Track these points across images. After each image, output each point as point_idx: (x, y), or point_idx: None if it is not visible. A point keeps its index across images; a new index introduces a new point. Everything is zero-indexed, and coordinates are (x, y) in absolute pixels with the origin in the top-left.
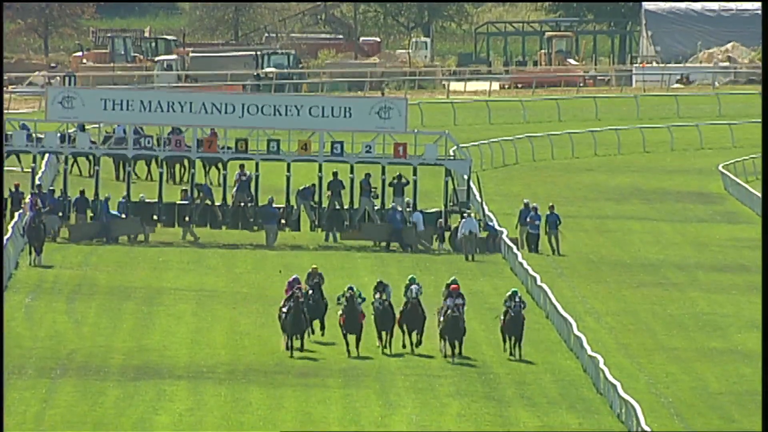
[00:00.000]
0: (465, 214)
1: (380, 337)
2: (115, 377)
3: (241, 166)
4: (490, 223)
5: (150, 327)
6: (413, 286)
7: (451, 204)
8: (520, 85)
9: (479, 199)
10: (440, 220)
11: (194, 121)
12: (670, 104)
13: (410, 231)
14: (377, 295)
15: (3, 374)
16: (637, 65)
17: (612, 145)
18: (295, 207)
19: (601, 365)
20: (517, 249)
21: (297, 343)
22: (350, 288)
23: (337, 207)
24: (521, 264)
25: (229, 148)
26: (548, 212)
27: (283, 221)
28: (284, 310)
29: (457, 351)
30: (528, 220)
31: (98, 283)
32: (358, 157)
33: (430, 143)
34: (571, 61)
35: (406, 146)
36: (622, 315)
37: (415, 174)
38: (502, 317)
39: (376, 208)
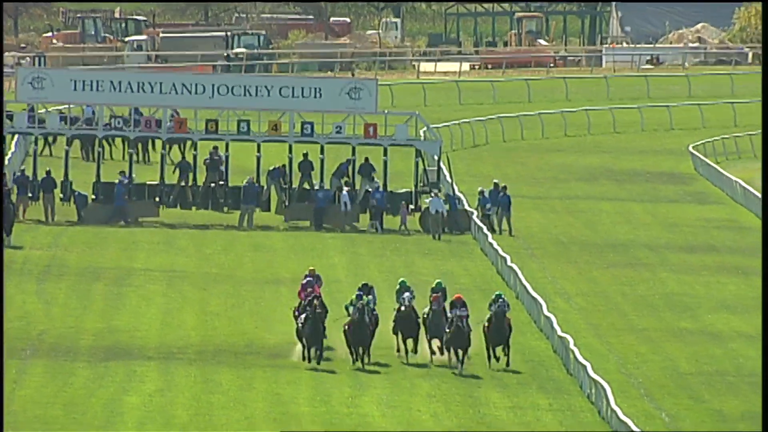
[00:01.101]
0: (432, 194)
1: (352, 352)
2: (85, 358)
3: (215, 148)
4: (458, 203)
5: (120, 308)
6: (406, 293)
7: (422, 184)
8: (490, 66)
9: (449, 180)
10: (404, 201)
11: (164, 101)
12: (640, 85)
13: (334, 210)
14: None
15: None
16: (607, 46)
17: (582, 125)
18: (265, 187)
19: (571, 346)
20: (487, 229)
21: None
22: (359, 295)
23: (307, 187)
24: (491, 244)
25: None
26: (501, 193)
27: (256, 201)
28: (301, 319)
29: (463, 360)
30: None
31: (68, 264)
32: (329, 138)
33: (401, 124)
34: (542, 41)
35: (376, 127)
36: (592, 295)
37: (385, 155)
38: (486, 322)
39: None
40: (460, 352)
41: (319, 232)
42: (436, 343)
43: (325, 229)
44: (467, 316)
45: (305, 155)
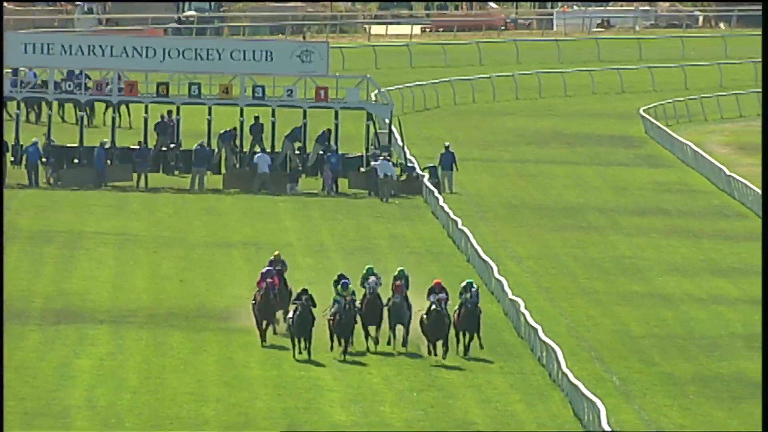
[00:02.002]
0: (381, 157)
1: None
2: (36, 321)
3: (169, 112)
4: (410, 165)
5: (71, 271)
6: (371, 278)
7: (373, 147)
8: (441, 29)
9: (401, 143)
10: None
11: (115, 64)
12: (591, 48)
13: (251, 175)
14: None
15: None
16: (558, 9)
17: (533, 89)
18: (216, 150)
19: (522, 309)
20: (438, 192)
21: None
22: (345, 284)
23: (257, 151)
24: (442, 207)
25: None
26: (443, 151)
27: (207, 164)
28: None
29: (445, 350)
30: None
31: (19, 227)
32: (280, 101)
33: (352, 87)
34: (492, 4)
35: (327, 90)
36: (543, 259)
37: (336, 118)
38: (456, 311)
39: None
40: (440, 342)
41: (271, 196)
42: (400, 330)
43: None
44: (447, 299)
45: (256, 118)
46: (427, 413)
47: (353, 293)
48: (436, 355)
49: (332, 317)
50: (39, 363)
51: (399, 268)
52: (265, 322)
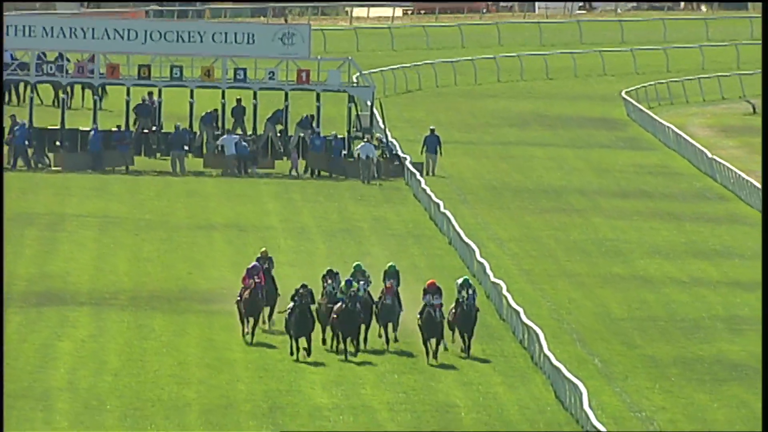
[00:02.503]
0: (364, 140)
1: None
2: (18, 303)
3: (150, 94)
4: (393, 148)
5: (53, 253)
6: (362, 283)
7: (354, 130)
8: (423, 11)
9: (382, 126)
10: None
11: (97, 47)
12: (573, 30)
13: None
14: (329, 280)
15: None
16: None
17: (515, 71)
18: (198, 133)
19: (504, 291)
20: (421, 175)
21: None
22: (349, 281)
23: (240, 133)
24: (424, 190)
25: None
26: (428, 134)
27: (185, 147)
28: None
29: (437, 349)
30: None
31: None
32: (262, 84)
33: (334, 69)
34: None
35: (309, 73)
36: (525, 241)
37: (318, 100)
38: (452, 309)
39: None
40: (433, 342)
41: (253, 178)
42: (390, 329)
43: (257, 175)
44: (441, 305)
45: (238, 101)
46: (408, 396)
47: (358, 289)
48: (434, 356)
49: (336, 315)
50: (20, 345)
51: (389, 264)
52: (252, 320)
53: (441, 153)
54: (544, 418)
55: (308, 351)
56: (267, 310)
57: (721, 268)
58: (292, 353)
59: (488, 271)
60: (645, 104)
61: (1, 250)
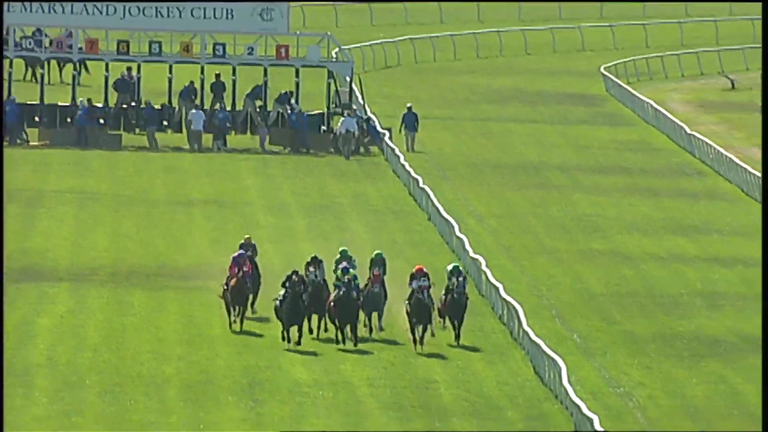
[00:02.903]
0: (345, 114)
1: (310, 321)
2: None
3: (129, 69)
4: (372, 124)
5: (32, 229)
6: (344, 263)
7: (334, 106)
8: None
9: (361, 101)
10: (263, 120)
11: (76, 22)
12: (551, 6)
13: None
14: (311, 268)
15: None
16: None
17: (494, 47)
18: (177, 108)
19: (483, 267)
20: (400, 151)
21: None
22: (345, 269)
23: (219, 108)
24: (403, 166)
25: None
26: (405, 111)
27: (165, 123)
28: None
29: (422, 335)
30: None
31: None
32: (240, 59)
33: (313, 45)
34: None
35: (288, 48)
36: (504, 217)
37: (297, 76)
38: (443, 296)
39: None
40: (420, 328)
41: (231, 154)
42: (374, 318)
43: (237, 151)
44: (429, 287)
45: (217, 76)
46: (387, 371)
47: (355, 277)
48: (420, 344)
49: (333, 303)
50: None
51: (376, 251)
52: (239, 308)
53: (417, 129)
54: (523, 393)
55: (299, 339)
56: (252, 297)
57: (700, 244)
58: (284, 339)
59: (467, 246)
60: (624, 80)
61: (1, 229)
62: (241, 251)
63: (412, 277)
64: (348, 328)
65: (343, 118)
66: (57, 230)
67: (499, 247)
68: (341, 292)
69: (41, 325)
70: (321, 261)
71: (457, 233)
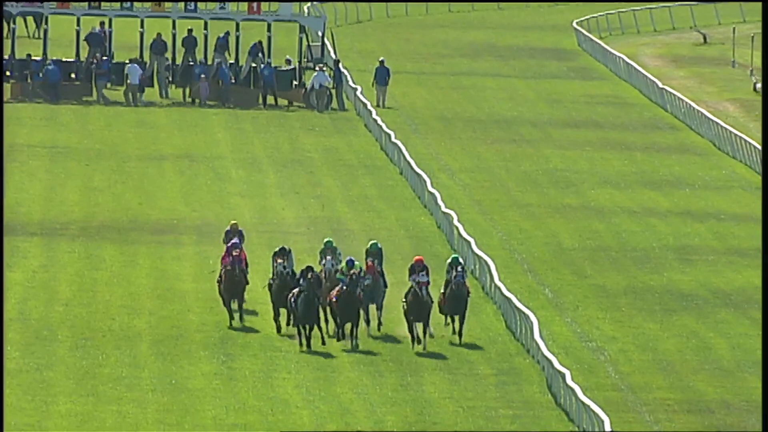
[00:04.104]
0: (317, 68)
1: (277, 317)
2: None
3: (101, 24)
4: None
5: (2, 184)
6: (328, 258)
7: (306, 60)
8: None
9: (334, 56)
10: (203, 74)
11: None
12: None
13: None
14: (279, 260)
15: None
16: None
17: (466, 1)
18: (148, 63)
19: (455, 222)
20: (372, 106)
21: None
22: (351, 261)
23: (191, 63)
24: (375, 120)
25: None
26: (377, 65)
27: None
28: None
29: (424, 334)
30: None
31: None
32: (212, 14)
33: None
34: None
35: (260, 3)
36: (476, 172)
37: (269, 30)
38: (442, 290)
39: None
40: (420, 326)
41: (203, 108)
42: (372, 310)
43: (208, 105)
44: (428, 283)
45: (189, 31)
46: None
47: (360, 270)
48: (418, 342)
49: (335, 298)
50: None
51: (371, 242)
52: (235, 301)
53: (389, 84)
54: (495, 348)
55: (308, 343)
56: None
57: (672, 198)
58: (301, 344)
59: (439, 201)
60: (596, 34)
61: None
62: (235, 240)
63: (411, 269)
64: (348, 326)
65: (315, 73)
66: (28, 184)
67: (470, 202)
68: (344, 288)
69: (13, 279)
70: (290, 251)
71: (429, 188)
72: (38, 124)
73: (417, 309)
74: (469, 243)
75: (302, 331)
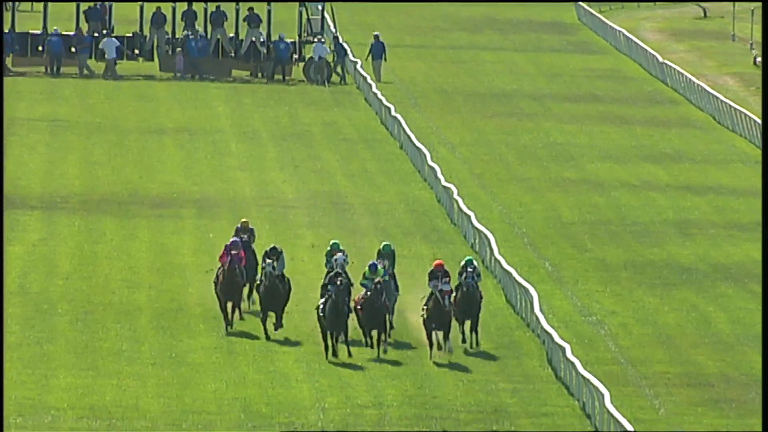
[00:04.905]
0: (316, 40)
1: (265, 320)
2: None
3: None
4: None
5: (3, 157)
6: (338, 254)
7: (305, 34)
8: None
9: (333, 30)
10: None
11: None
12: None
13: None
14: (268, 260)
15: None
16: None
17: None
18: (149, 37)
19: (455, 195)
20: (372, 79)
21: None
22: (374, 265)
23: (191, 36)
24: (375, 94)
25: None
26: (373, 41)
27: (137, 51)
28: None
29: (444, 342)
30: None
31: None
32: None
33: None
34: None
35: None
36: (476, 145)
37: (269, 4)
38: (454, 293)
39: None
40: (440, 335)
41: (203, 82)
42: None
43: (207, 79)
44: (450, 291)
45: (189, 4)
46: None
47: (385, 273)
48: (438, 348)
49: (360, 306)
50: None
51: (384, 243)
52: (230, 304)
53: (385, 59)
54: (495, 322)
55: (347, 348)
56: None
57: (672, 172)
58: (327, 353)
59: (439, 175)
60: (596, 8)
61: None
62: (235, 238)
63: (431, 275)
64: (374, 334)
65: (314, 45)
66: (28, 158)
67: (470, 176)
68: (368, 294)
69: (13, 252)
70: (281, 252)
71: (429, 162)
72: (38, 97)
73: (438, 317)
74: (468, 217)
75: (329, 339)
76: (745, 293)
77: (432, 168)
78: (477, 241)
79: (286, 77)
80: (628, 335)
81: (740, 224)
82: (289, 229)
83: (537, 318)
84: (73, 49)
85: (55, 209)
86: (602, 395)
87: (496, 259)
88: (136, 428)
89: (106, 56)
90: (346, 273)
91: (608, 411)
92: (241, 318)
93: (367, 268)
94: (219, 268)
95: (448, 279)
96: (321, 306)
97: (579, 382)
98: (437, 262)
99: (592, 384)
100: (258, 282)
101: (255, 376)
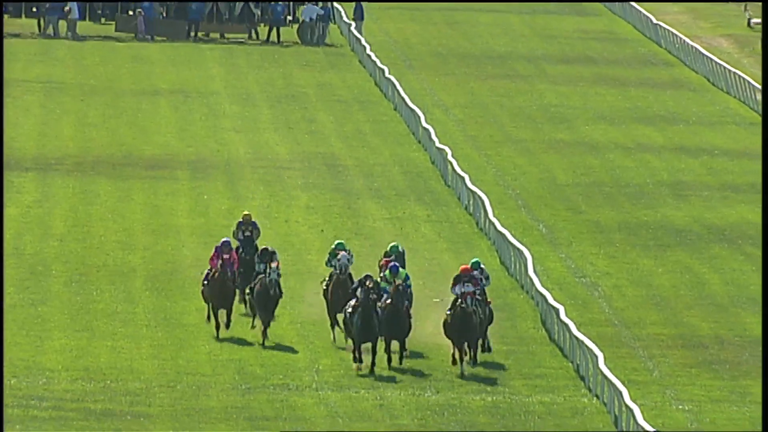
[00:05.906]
0: (307, 1)
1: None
2: None
3: None
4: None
5: None
6: (342, 254)
7: None
8: None
9: None
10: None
11: None
12: None
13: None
14: (273, 264)
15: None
16: None
17: None
18: None
19: (450, 157)
20: (366, 41)
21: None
22: (395, 267)
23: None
24: (369, 56)
25: None
26: (355, 2)
27: (130, 13)
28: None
29: (469, 356)
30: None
31: None
32: None
33: None
34: None
35: None
36: (470, 107)
37: None
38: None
39: None
40: (465, 345)
41: (197, 44)
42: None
43: (202, 41)
44: (474, 292)
45: None
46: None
47: (407, 277)
48: (464, 358)
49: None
50: None
51: (392, 244)
52: (223, 312)
53: (363, 19)
54: (490, 284)
55: (372, 364)
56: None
57: (666, 134)
58: (355, 361)
59: (433, 137)
60: None
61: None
62: (225, 239)
63: (456, 280)
64: (394, 343)
65: (304, 7)
66: (23, 120)
67: (465, 138)
68: (389, 300)
69: (7, 214)
70: (273, 252)
71: (423, 123)
72: (33, 59)
73: (461, 325)
74: (463, 178)
75: (359, 349)
76: (739, 255)
77: (426, 130)
78: (471, 202)
79: (280, 39)
80: (622, 297)
81: (734, 186)
82: (283, 190)
83: (531, 280)
84: (35, 9)
85: (49, 171)
86: (596, 357)
87: (490, 220)
88: (130, 389)
89: (69, 17)
90: (373, 280)
91: (602, 372)
92: (228, 328)
93: (387, 270)
94: (208, 271)
95: (471, 282)
96: (349, 311)
97: (573, 343)
98: (464, 267)
99: (585, 346)
100: (251, 284)
101: (249, 338)
